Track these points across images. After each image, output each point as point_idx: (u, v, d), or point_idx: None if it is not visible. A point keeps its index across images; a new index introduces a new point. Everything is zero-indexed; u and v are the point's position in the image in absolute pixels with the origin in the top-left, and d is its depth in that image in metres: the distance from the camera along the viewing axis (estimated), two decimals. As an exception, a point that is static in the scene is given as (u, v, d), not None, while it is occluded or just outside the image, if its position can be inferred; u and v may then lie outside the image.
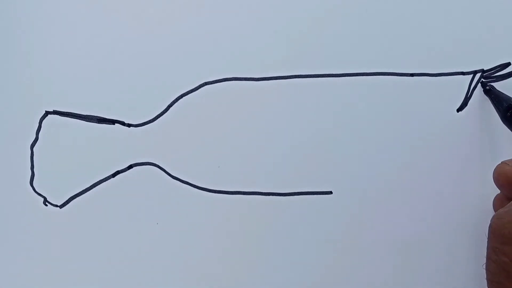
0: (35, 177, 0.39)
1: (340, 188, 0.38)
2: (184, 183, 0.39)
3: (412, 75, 0.39)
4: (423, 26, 0.39)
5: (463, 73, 0.38)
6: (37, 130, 0.40)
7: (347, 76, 0.39)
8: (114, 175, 0.39)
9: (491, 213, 0.33)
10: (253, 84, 0.39)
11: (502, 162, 0.33)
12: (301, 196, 0.38)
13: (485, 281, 0.30)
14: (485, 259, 0.30)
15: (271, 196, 0.38)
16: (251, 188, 0.39)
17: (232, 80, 0.39)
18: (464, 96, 0.38)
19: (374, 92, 0.39)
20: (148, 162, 0.39)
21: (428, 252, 0.37)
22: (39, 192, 0.39)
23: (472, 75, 0.38)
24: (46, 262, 0.39)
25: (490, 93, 0.37)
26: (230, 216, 0.38)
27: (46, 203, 0.39)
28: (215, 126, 0.39)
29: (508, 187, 0.33)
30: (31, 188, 0.39)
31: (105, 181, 0.39)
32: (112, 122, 0.40)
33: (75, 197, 0.39)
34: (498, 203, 0.35)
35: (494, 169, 0.33)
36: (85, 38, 0.40)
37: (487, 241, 0.30)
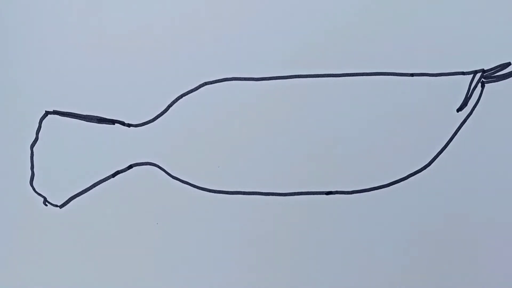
0: (35, 177, 0.39)
1: (340, 188, 0.38)
2: (184, 183, 0.39)
3: (412, 75, 0.39)
4: (423, 26, 0.39)
5: (463, 73, 0.38)
6: (37, 130, 0.40)
7: (347, 76, 0.39)
8: (114, 175, 0.39)
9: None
10: (253, 84, 0.39)
11: None
12: (301, 196, 0.38)
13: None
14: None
15: (271, 196, 0.38)
16: (251, 188, 0.39)
17: (232, 80, 0.39)
18: (464, 96, 0.38)
19: (374, 92, 0.39)
20: (148, 162, 0.39)
21: (429, 252, 0.37)
22: (39, 192, 0.39)
23: (472, 75, 0.38)
24: (46, 262, 0.39)
25: None
26: (230, 216, 0.38)
27: (46, 203, 0.39)
28: (215, 126, 0.39)
29: None
30: (31, 188, 0.39)
31: (105, 181, 0.39)
32: (112, 122, 0.40)
33: (75, 197, 0.39)
34: None
35: None
36: (85, 38, 0.40)
37: None
